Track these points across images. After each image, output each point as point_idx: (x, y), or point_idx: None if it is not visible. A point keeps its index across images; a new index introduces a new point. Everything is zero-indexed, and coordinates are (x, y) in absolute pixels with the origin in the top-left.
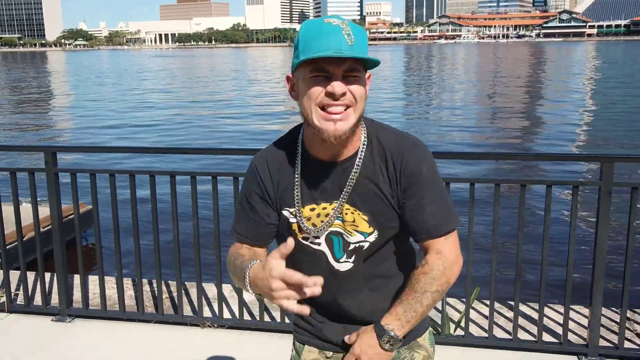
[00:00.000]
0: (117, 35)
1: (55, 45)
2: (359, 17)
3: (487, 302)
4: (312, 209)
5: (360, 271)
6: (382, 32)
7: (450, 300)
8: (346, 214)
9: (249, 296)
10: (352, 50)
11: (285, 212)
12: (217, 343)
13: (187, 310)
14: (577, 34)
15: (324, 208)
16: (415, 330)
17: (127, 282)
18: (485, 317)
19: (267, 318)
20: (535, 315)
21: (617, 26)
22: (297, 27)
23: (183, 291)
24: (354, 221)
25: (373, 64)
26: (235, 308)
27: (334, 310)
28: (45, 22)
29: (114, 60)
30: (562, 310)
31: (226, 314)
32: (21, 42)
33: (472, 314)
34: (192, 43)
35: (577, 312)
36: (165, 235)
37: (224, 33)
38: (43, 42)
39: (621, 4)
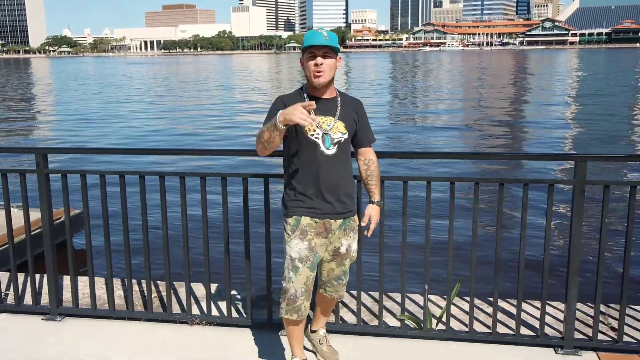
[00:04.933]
0: (101, 42)
1: (39, 52)
2: (344, 25)
3: (468, 299)
4: (321, 119)
5: (339, 154)
6: (367, 40)
7: (432, 297)
8: (330, 122)
9: (236, 294)
10: (326, 42)
11: None
12: (206, 340)
13: (176, 309)
14: (559, 41)
15: (326, 119)
16: (353, 211)
17: (117, 283)
18: (466, 312)
19: (255, 315)
20: (513, 311)
21: (598, 34)
22: (283, 34)
23: (172, 290)
24: (337, 127)
25: (337, 50)
26: (224, 306)
27: (330, 182)
28: (29, 29)
29: (99, 67)
30: (539, 305)
31: (214, 312)
32: (4, 48)
33: (453, 310)
34: (178, 50)
35: (554, 307)
36: (154, 236)
37: (209, 40)
38: (27, 48)
39: (602, 13)
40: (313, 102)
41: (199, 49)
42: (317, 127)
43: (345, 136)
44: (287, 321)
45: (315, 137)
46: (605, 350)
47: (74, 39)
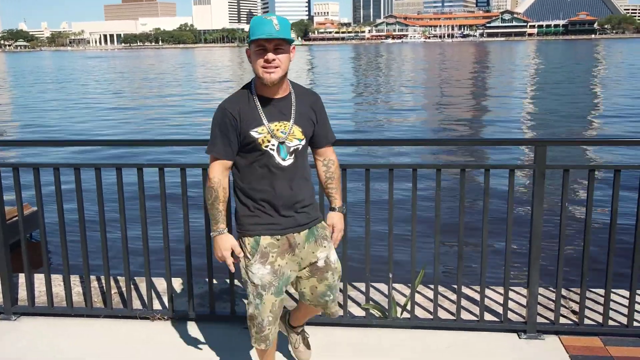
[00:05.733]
0: (59, 36)
1: None
2: (307, 17)
3: (432, 286)
4: (275, 126)
5: (296, 163)
6: (330, 32)
7: (396, 285)
8: (286, 128)
9: (199, 288)
10: (277, 34)
11: (252, 132)
12: (168, 335)
13: (136, 305)
14: (518, 33)
15: (280, 124)
16: (320, 218)
17: (75, 279)
18: (430, 300)
19: (217, 308)
20: (477, 297)
21: (555, 26)
22: (246, 27)
23: (132, 286)
24: (294, 133)
25: (291, 41)
26: (185, 300)
27: (287, 196)
28: None
29: (56, 62)
30: (502, 291)
31: (177, 307)
32: None
33: (418, 298)
34: (139, 44)
35: (517, 293)
36: (113, 230)
37: (170, 33)
38: None
39: (559, 5)
40: (240, 253)
41: (160, 43)
42: (272, 136)
43: (303, 142)
44: (257, 349)
45: (270, 148)
46: (566, 333)
47: (31, 33)
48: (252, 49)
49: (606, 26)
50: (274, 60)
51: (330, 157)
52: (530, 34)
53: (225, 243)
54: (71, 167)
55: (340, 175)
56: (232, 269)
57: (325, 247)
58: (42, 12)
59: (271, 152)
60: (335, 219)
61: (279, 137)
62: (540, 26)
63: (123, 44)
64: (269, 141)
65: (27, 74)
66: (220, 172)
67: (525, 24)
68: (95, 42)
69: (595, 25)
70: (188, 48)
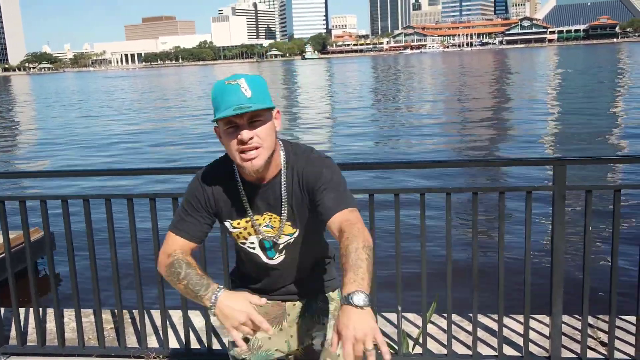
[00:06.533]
0: (82, 57)
1: (19, 69)
2: (324, 31)
3: (445, 315)
4: (258, 220)
5: (291, 260)
6: (348, 45)
7: (407, 315)
8: (274, 222)
9: (197, 322)
10: (250, 102)
11: (226, 224)
12: None
13: (131, 341)
14: (538, 39)
15: (264, 217)
16: (327, 287)
17: (69, 313)
18: (444, 331)
19: (215, 345)
20: (494, 327)
21: (576, 31)
22: (264, 42)
23: (128, 319)
24: (282, 229)
25: (271, 106)
26: (182, 336)
27: (278, 288)
28: (7, 46)
29: (79, 83)
30: (522, 319)
31: (172, 343)
32: None
33: (431, 329)
34: (159, 62)
35: (539, 322)
36: (104, 262)
37: (190, 51)
38: (6, 66)
39: (579, 10)
40: (263, 300)
41: (180, 60)
42: (249, 234)
43: (295, 234)
44: None
45: (249, 247)
46: None
47: (54, 55)
48: (221, 127)
49: (628, 29)
50: (251, 139)
51: (346, 218)
52: (550, 40)
53: (237, 300)
54: (58, 199)
55: (366, 247)
56: (269, 328)
57: (324, 324)
58: (64, 34)
59: (251, 250)
60: (345, 317)
61: (264, 235)
62: (560, 32)
63: (144, 63)
64: (245, 238)
65: (50, 95)
66: (180, 248)
67: (545, 30)
68: (117, 61)
69: (617, 29)
70: (208, 65)
